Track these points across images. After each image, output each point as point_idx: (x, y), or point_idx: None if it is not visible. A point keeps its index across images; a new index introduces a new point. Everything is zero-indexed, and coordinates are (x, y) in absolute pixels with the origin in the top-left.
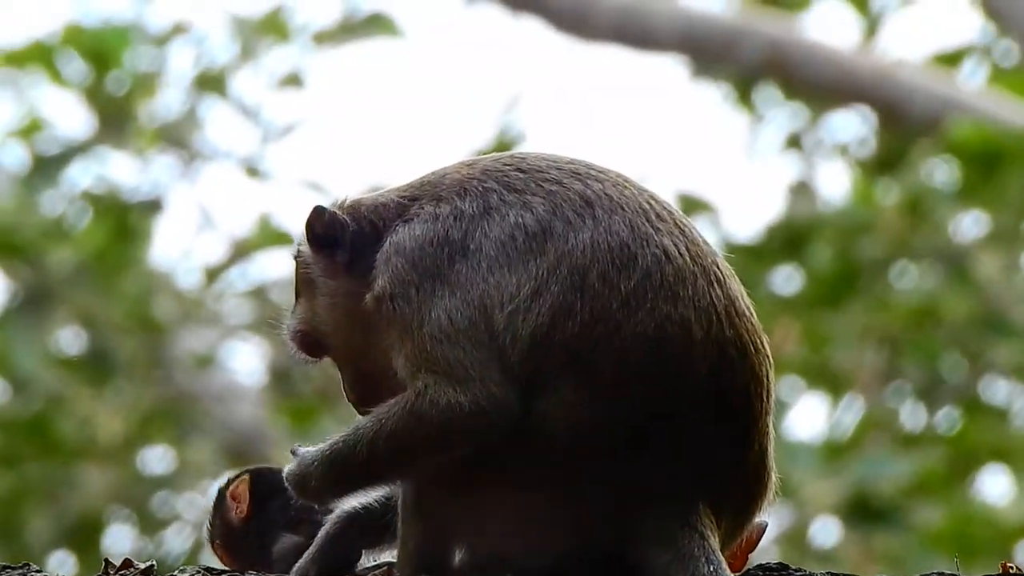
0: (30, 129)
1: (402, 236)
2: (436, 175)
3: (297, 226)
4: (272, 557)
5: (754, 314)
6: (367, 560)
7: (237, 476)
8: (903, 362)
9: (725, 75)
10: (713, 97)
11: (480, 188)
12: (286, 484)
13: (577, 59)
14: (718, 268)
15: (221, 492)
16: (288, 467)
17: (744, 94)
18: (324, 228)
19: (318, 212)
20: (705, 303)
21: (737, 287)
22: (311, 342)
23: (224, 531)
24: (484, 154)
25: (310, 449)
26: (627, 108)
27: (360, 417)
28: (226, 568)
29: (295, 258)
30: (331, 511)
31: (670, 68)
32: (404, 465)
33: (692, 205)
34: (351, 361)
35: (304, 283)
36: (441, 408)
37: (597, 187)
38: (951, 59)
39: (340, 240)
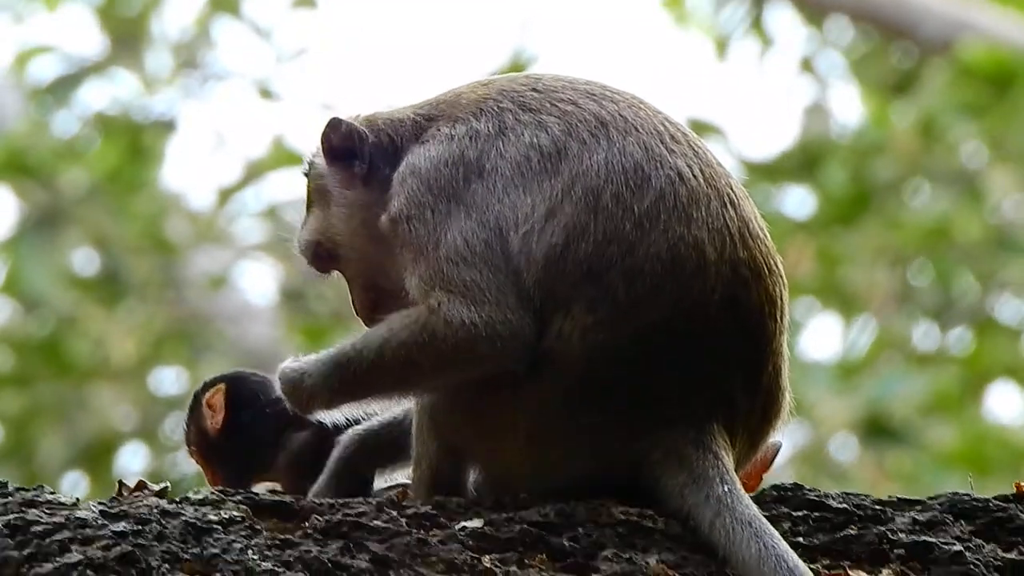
0: (42, 51)
1: (418, 157)
2: (452, 94)
3: (309, 146)
4: (256, 464)
5: (768, 235)
6: (381, 481)
7: (213, 382)
8: (916, 282)
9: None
10: (726, 22)
11: (496, 108)
12: (277, 381)
13: None
14: (732, 190)
15: (196, 397)
16: (285, 363)
17: (757, 18)
18: (341, 140)
19: (335, 124)
20: (719, 224)
21: (751, 209)
22: (323, 254)
23: (199, 439)
24: (499, 75)
25: (312, 355)
26: (640, 33)
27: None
28: (242, 490)
29: (307, 172)
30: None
31: None
32: (410, 380)
33: (703, 129)
34: (363, 274)
35: (318, 195)
36: (455, 328)
37: (612, 108)
38: None
39: (358, 152)
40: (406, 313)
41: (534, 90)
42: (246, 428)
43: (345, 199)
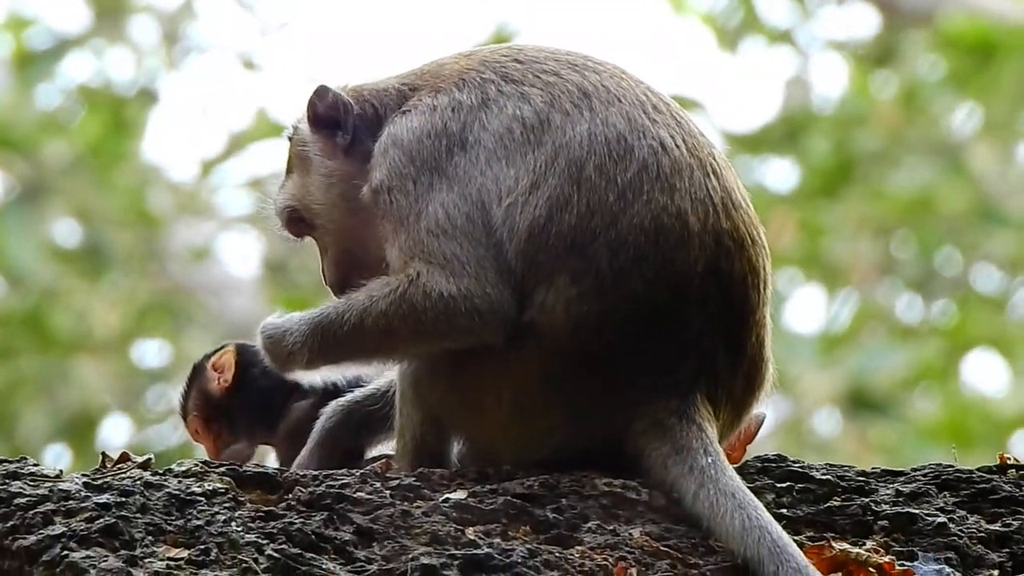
0: (25, 24)
1: (400, 128)
2: (435, 65)
3: (295, 113)
4: (263, 424)
5: (751, 206)
6: (367, 452)
7: (218, 349)
8: (899, 254)
9: None
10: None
11: (478, 79)
12: (259, 338)
13: None
14: (715, 160)
15: (198, 365)
16: (268, 319)
17: None
18: (326, 109)
19: (321, 92)
20: (702, 195)
21: (734, 178)
22: (298, 219)
23: (202, 403)
24: (482, 46)
25: (295, 313)
26: (623, 6)
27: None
28: (224, 462)
29: (290, 136)
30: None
31: None
32: (388, 347)
33: (685, 104)
34: (336, 244)
35: (299, 161)
36: (433, 300)
37: (594, 79)
38: None
39: (342, 122)
40: (386, 281)
41: (516, 61)
42: (253, 387)
43: (325, 168)
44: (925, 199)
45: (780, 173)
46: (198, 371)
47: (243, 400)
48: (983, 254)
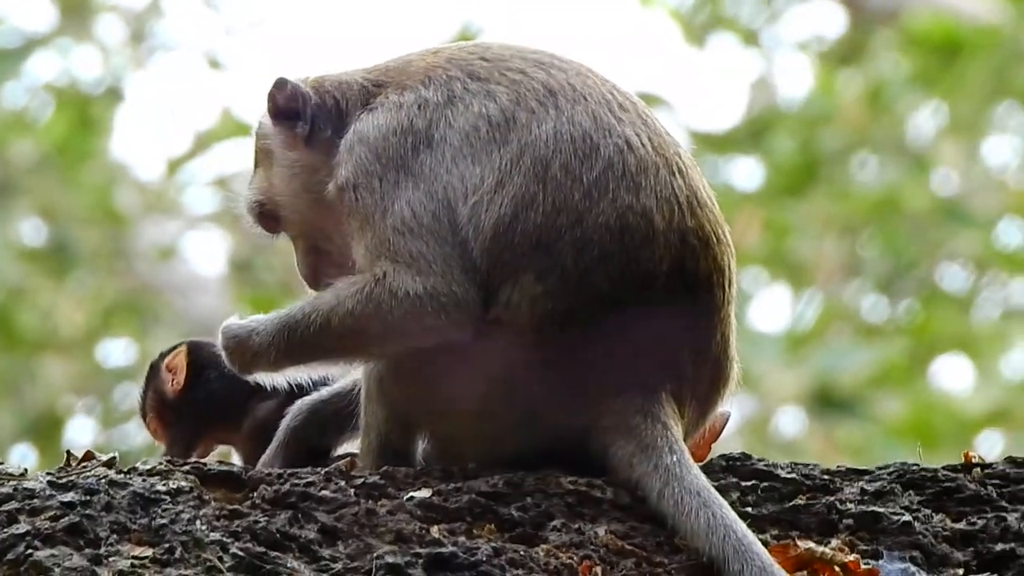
0: None
1: (366, 125)
2: (401, 61)
3: (258, 113)
4: (216, 426)
5: (716, 204)
6: (332, 451)
7: (172, 349)
8: (864, 253)
9: None
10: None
11: (444, 76)
12: (221, 339)
13: None
14: (680, 159)
15: (154, 365)
16: (229, 320)
17: None
18: (286, 100)
19: (280, 84)
20: (667, 193)
21: (699, 178)
22: (266, 213)
23: (157, 403)
24: (449, 43)
25: (259, 315)
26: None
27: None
28: (189, 460)
29: (255, 130)
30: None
31: None
32: (355, 348)
33: (651, 101)
34: (305, 235)
35: (263, 155)
36: (400, 299)
37: (561, 77)
38: None
39: (301, 113)
40: (353, 280)
41: (483, 59)
42: (207, 388)
43: (287, 159)
44: (890, 198)
45: (745, 172)
46: (153, 371)
47: (199, 400)
48: (948, 253)
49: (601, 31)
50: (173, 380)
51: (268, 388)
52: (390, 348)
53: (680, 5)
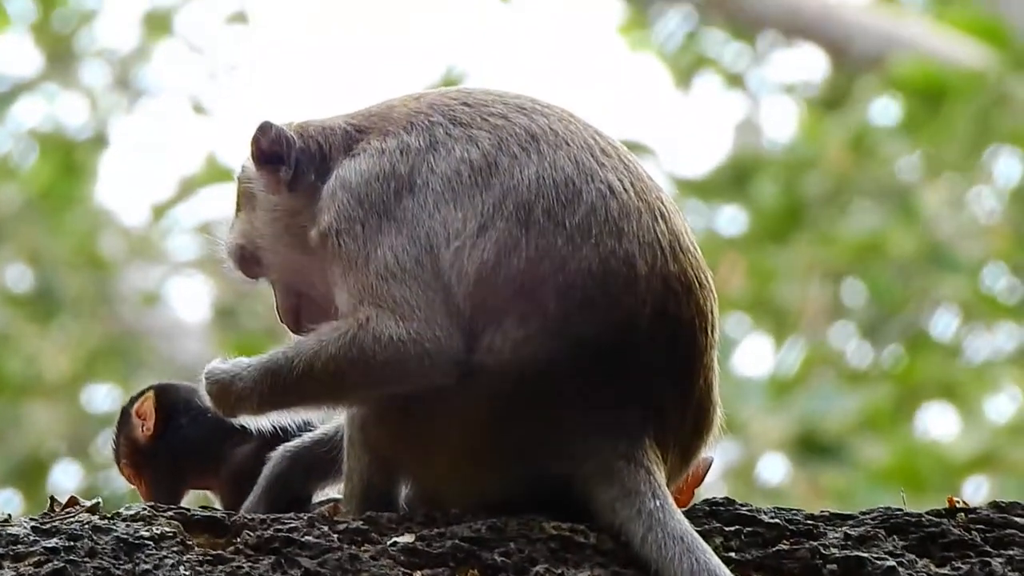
0: None
1: (348, 171)
2: (384, 106)
3: (242, 157)
4: (190, 471)
5: (698, 249)
6: (315, 496)
7: (141, 393)
8: (849, 298)
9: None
10: (654, 37)
11: (427, 122)
12: (204, 383)
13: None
14: (663, 204)
15: (125, 411)
16: (212, 364)
17: (688, 35)
18: (270, 144)
19: (265, 127)
20: (650, 238)
21: (681, 223)
22: (248, 257)
23: (130, 450)
24: (431, 89)
25: (242, 358)
26: (570, 52)
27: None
28: (172, 505)
29: (239, 174)
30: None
31: (610, 7)
32: (338, 393)
33: (633, 148)
34: (286, 280)
35: (245, 198)
36: (383, 344)
37: (543, 122)
38: None
39: (285, 157)
40: (336, 325)
41: (465, 104)
42: (178, 433)
43: (269, 203)
44: (875, 243)
45: (729, 217)
46: (124, 418)
47: (172, 444)
48: (933, 299)
49: (587, 75)
50: (143, 426)
51: (244, 432)
52: (373, 393)
53: (664, 45)
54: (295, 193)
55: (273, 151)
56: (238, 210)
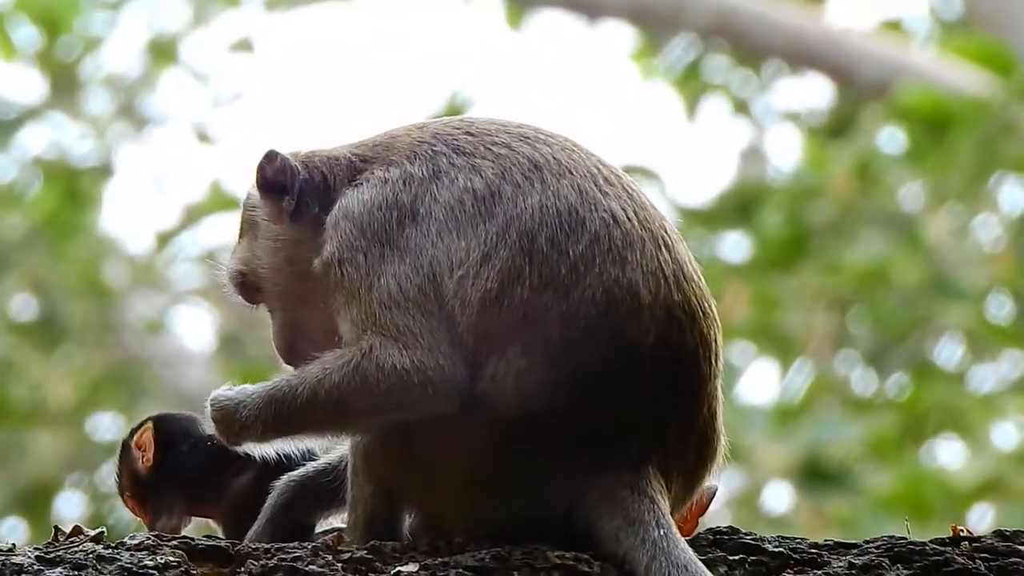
0: None
1: (351, 201)
2: (388, 136)
3: (247, 184)
4: (191, 500)
5: (702, 278)
6: (319, 526)
7: (140, 425)
8: (853, 326)
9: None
10: (660, 67)
11: (429, 152)
12: (209, 410)
13: (523, 33)
14: (666, 232)
15: (125, 444)
16: (218, 391)
17: (692, 63)
18: (274, 173)
19: (270, 156)
20: (653, 267)
21: (685, 251)
22: (248, 284)
23: (131, 482)
24: (434, 119)
25: (247, 386)
26: (573, 79)
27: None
28: (177, 535)
29: (243, 200)
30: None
31: (617, 36)
32: (342, 420)
33: (637, 175)
34: (284, 309)
35: (248, 225)
36: (387, 372)
37: (545, 151)
38: (899, 25)
39: (289, 187)
40: (340, 354)
41: (468, 134)
42: (178, 462)
43: (272, 232)
44: (880, 271)
45: (734, 245)
46: (125, 450)
47: (172, 474)
48: (938, 327)
49: (594, 101)
50: (143, 457)
51: (245, 461)
52: (377, 421)
53: (670, 72)
54: (298, 224)
55: (277, 180)
56: (241, 236)
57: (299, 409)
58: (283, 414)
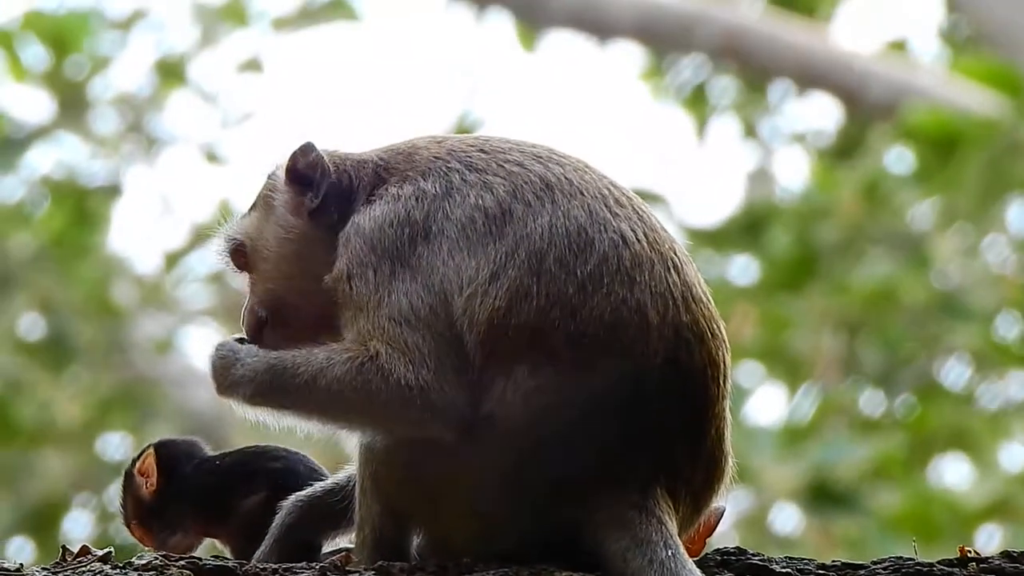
0: None
1: (363, 217)
2: (410, 146)
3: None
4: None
5: (711, 300)
6: (326, 546)
7: (141, 454)
8: (861, 347)
9: (681, 62)
10: (669, 87)
11: (444, 168)
12: (210, 355)
13: (535, 53)
14: (676, 254)
15: (127, 473)
16: (225, 340)
17: (700, 84)
18: (306, 166)
19: (306, 149)
20: (662, 288)
21: (694, 273)
22: (242, 254)
23: (136, 509)
24: (452, 134)
25: (254, 347)
26: (583, 99)
27: (315, 347)
28: (184, 555)
29: (268, 176)
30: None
31: (627, 57)
32: (332, 413)
33: (646, 197)
34: (271, 294)
35: (264, 203)
36: (390, 384)
37: (558, 171)
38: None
39: (316, 184)
40: (347, 347)
41: (482, 151)
42: (182, 485)
43: (286, 222)
44: (888, 292)
45: (742, 266)
46: (128, 479)
47: (177, 496)
48: (946, 347)
49: (603, 122)
50: (147, 483)
51: (254, 482)
52: (368, 425)
53: (678, 93)
54: (314, 223)
55: (306, 174)
56: (253, 207)
57: (295, 388)
58: (277, 385)
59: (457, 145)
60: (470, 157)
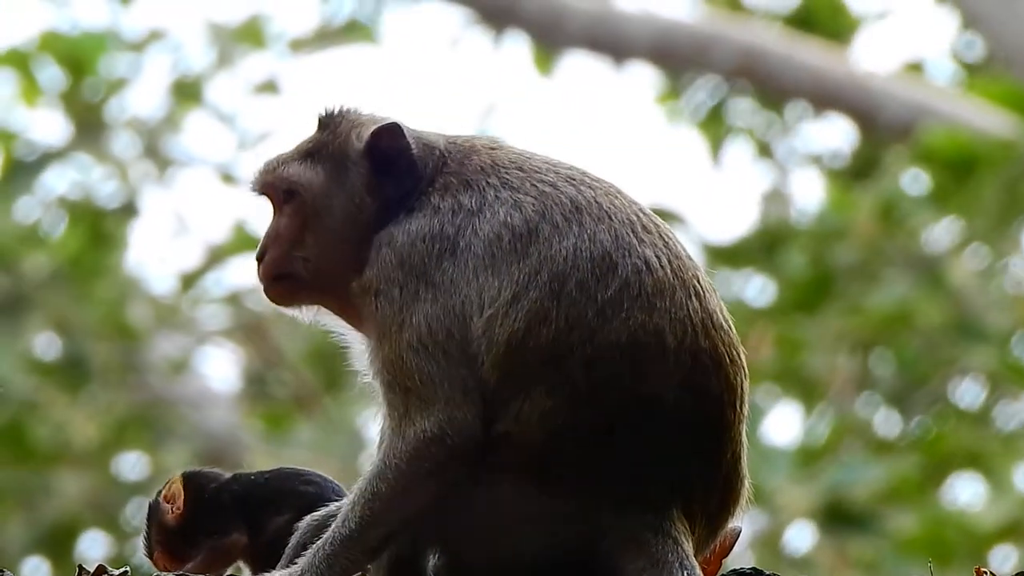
0: (6, 137)
1: (398, 229)
2: (468, 147)
3: (351, 111)
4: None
5: (732, 328)
6: None
7: (166, 484)
8: (877, 368)
9: (697, 83)
10: (685, 107)
11: (484, 183)
12: None
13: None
14: (698, 282)
15: (152, 505)
16: None
17: (716, 105)
18: (393, 149)
19: (395, 131)
20: (682, 315)
21: (717, 301)
22: (288, 198)
23: (161, 537)
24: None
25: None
26: (600, 119)
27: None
28: (199, 575)
29: (340, 127)
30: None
31: (643, 77)
32: (386, 521)
33: (664, 216)
34: (304, 247)
35: (335, 162)
36: (409, 442)
37: (589, 194)
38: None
39: (398, 172)
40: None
41: (520, 169)
42: (208, 507)
43: (361, 200)
44: (903, 313)
45: (758, 288)
46: (152, 510)
47: (204, 518)
48: (961, 369)
49: (621, 143)
50: (173, 507)
51: (279, 503)
52: (410, 500)
53: (694, 115)
54: (377, 206)
55: (387, 156)
56: (319, 156)
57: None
58: (340, 558)
59: (502, 158)
60: (508, 174)
